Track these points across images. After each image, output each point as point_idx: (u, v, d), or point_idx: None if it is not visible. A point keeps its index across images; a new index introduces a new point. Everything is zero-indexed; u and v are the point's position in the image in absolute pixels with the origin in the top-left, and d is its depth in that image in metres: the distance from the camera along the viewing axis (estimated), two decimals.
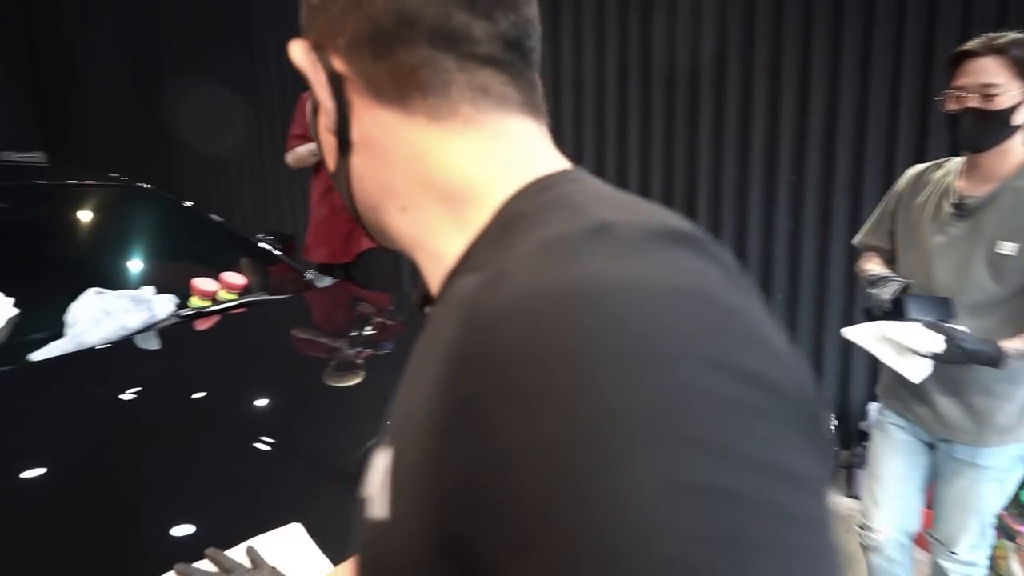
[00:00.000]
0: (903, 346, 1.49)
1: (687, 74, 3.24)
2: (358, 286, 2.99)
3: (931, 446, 1.78)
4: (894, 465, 1.81)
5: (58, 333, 1.63)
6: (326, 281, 2.49)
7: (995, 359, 1.46)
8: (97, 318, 1.68)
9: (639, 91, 3.37)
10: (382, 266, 3.00)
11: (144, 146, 5.39)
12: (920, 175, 1.73)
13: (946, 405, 1.65)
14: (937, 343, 1.44)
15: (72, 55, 5.59)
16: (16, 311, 1.65)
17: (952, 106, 1.52)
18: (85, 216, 2.32)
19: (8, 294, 1.67)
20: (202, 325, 1.89)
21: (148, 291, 1.82)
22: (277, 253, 2.51)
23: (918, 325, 1.48)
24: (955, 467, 1.71)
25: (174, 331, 1.79)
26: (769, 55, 3.08)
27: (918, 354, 1.47)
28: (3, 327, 1.60)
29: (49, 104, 5.84)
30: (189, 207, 2.67)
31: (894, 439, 1.81)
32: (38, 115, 5.85)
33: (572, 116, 3.53)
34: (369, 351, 1.91)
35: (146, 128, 5.32)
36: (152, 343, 1.74)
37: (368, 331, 2.08)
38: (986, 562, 1.79)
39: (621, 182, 3.43)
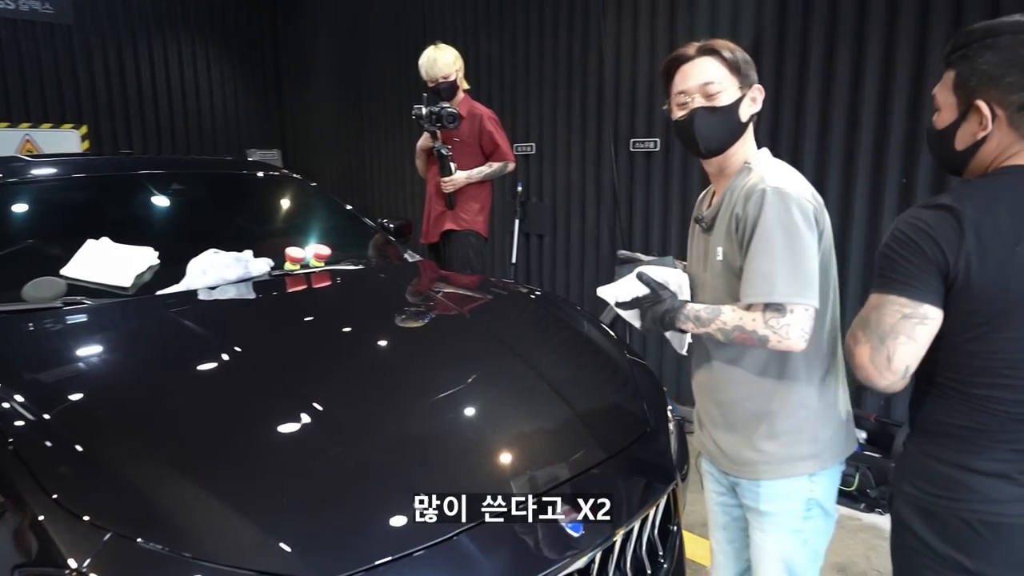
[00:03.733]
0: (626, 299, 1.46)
1: (795, 71, 3.16)
2: (440, 262, 3.45)
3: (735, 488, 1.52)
4: (714, 518, 1.62)
5: (180, 277, 2.26)
6: (415, 258, 2.94)
7: (670, 309, 1.38)
8: (205, 269, 2.27)
9: None
10: (460, 245, 3.39)
11: (342, 148, 6.39)
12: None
13: (712, 422, 1.48)
14: (638, 287, 1.42)
15: (305, 73, 6.79)
16: (157, 261, 2.30)
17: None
18: (234, 196, 3.01)
19: (156, 249, 2.33)
20: (290, 282, 2.42)
21: (247, 254, 2.38)
22: (369, 228, 3.02)
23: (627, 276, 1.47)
24: (746, 513, 1.49)
25: (263, 284, 2.35)
26: (881, 52, 2.91)
27: (622, 305, 1.46)
28: (146, 271, 2.26)
29: (286, 112, 7.14)
30: (322, 193, 3.29)
31: (708, 488, 1.62)
32: (278, 120, 7.17)
33: None
34: (398, 314, 2.30)
35: (344, 134, 6.31)
36: (243, 291, 2.30)
37: (409, 299, 2.48)
38: None
39: None
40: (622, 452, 1.68)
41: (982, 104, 1.09)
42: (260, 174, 3.19)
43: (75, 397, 1.58)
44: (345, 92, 6.26)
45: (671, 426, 1.97)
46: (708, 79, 1.37)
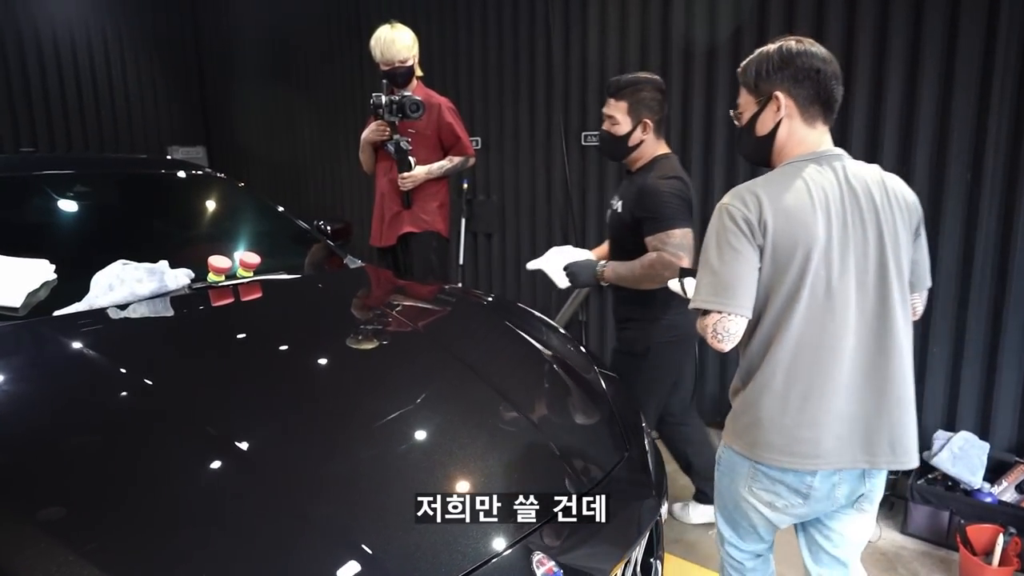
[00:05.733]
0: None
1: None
2: (398, 267, 3.19)
3: None
4: None
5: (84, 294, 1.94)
6: (356, 263, 2.68)
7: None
8: (112, 284, 1.97)
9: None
10: (421, 248, 3.14)
11: (272, 145, 6.02)
12: None
13: None
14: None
15: (230, 66, 6.36)
16: (54, 276, 1.98)
17: None
18: (150, 198, 2.68)
19: (52, 261, 2.01)
20: (213, 297, 2.13)
21: (162, 264, 2.08)
22: (304, 232, 2.76)
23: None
24: None
25: (182, 299, 2.05)
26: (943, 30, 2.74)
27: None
28: (40, 288, 1.94)
29: (209, 106, 6.69)
30: (250, 194, 2.99)
31: None
32: (202, 116, 6.71)
33: None
34: (342, 332, 2.04)
35: (274, 130, 5.94)
36: (158, 309, 2.00)
37: (353, 313, 2.23)
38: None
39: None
40: (599, 485, 1.49)
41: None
42: (179, 174, 2.86)
43: None
44: (273, 84, 5.87)
45: (647, 443, 1.80)
46: (736, 103, 1.54)
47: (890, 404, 1.39)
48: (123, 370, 1.58)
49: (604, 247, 2.56)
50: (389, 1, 4.63)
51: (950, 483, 2.60)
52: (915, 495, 2.57)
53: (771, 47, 1.44)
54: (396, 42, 2.98)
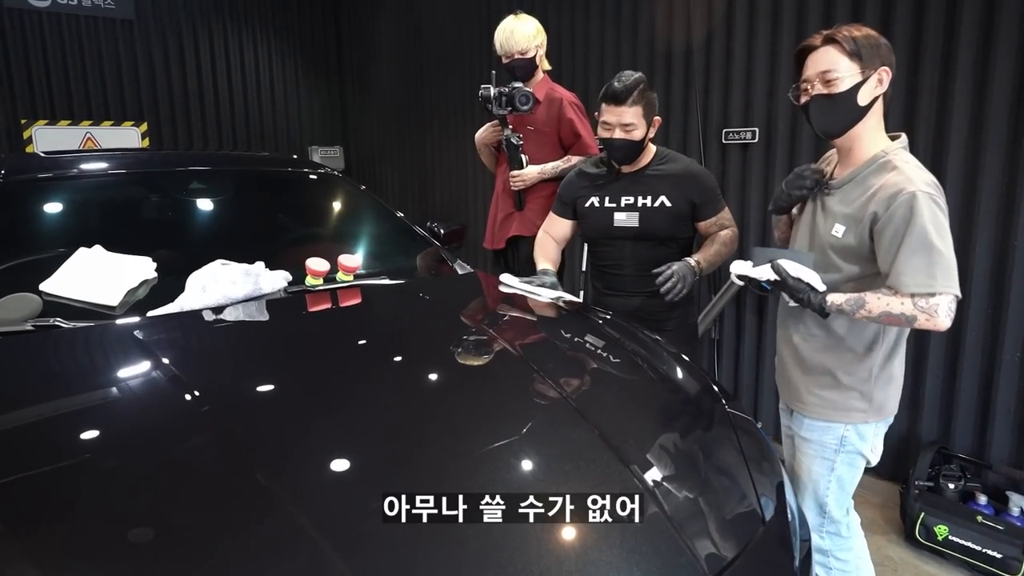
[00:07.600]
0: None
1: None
2: (511, 272, 2.96)
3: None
4: (787, 456, 1.91)
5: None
6: (466, 269, 2.48)
7: (816, 301, 1.58)
8: (205, 285, 1.89)
9: None
10: (529, 251, 2.88)
11: (404, 145, 6.03)
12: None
13: (792, 355, 1.80)
14: (763, 272, 1.64)
15: (367, 68, 6.49)
16: (155, 275, 1.94)
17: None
18: (265, 197, 2.62)
19: (158, 259, 1.97)
20: (309, 301, 2.01)
21: (258, 266, 1.99)
22: (416, 236, 2.60)
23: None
24: (794, 438, 1.84)
25: (274, 303, 1.94)
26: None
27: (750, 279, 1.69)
28: (139, 287, 1.90)
29: (348, 108, 6.87)
30: (367, 195, 2.89)
31: (784, 433, 1.93)
32: (341, 116, 6.91)
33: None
34: (438, 348, 1.84)
35: (406, 131, 5.95)
36: (252, 312, 1.90)
37: (452, 326, 2.01)
38: (842, 551, 1.79)
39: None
40: (729, 568, 1.17)
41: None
42: (296, 173, 2.81)
43: None
44: (406, 86, 5.90)
45: (788, 507, 1.44)
46: (827, 67, 1.53)
47: None
48: (192, 389, 1.44)
49: (551, 254, 2.52)
50: None
51: None
52: None
53: (873, 31, 1.52)
54: (516, 32, 2.76)
